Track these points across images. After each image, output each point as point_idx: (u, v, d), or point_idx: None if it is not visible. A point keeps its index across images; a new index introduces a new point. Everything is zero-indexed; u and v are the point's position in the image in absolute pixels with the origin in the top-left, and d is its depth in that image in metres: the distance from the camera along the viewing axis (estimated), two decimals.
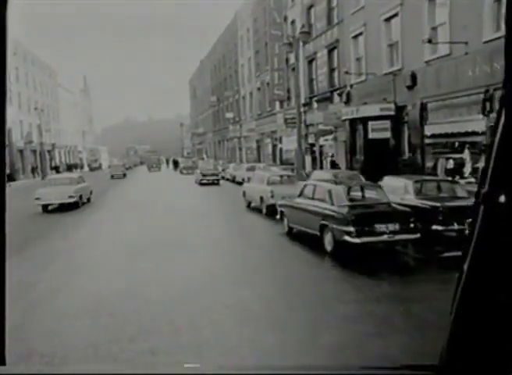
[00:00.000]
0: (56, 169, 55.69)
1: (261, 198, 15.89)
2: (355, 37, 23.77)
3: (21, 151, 52.52)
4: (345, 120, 24.34)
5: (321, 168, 30.02)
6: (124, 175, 46.70)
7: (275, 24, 33.63)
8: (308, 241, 10.66)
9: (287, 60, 33.62)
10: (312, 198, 10.44)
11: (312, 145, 30.41)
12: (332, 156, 24.27)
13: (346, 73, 21.68)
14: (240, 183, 30.40)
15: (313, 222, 10.02)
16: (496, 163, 1.23)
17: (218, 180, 31.95)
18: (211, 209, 18.94)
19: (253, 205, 17.77)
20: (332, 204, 9.49)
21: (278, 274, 8.79)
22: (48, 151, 61.36)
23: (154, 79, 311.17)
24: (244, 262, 9.74)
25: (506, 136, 1.21)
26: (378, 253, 9.65)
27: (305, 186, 11.09)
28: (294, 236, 11.62)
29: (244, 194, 18.43)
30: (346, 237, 8.77)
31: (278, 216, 12.32)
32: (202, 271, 8.87)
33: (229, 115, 53.50)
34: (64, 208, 19.68)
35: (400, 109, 20.16)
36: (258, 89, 42.47)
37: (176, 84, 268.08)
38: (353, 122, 24.06)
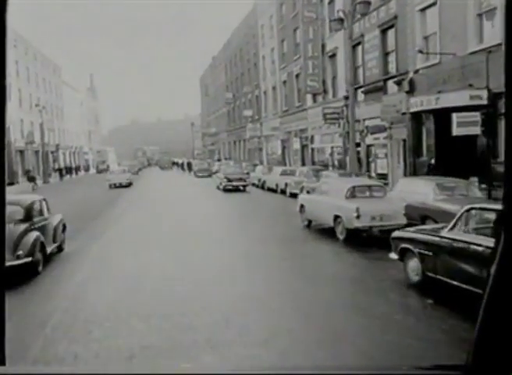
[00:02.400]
0: (60, 171, 51.39)
1: (337, 218, 11.13)
2: (423, 9, 19.20)
3: (21, 152, 48.21)
4: (405, 113, 19.88)
5: (368, 171, 25.55)
6: (138, 172, 57.09)
7: (310, 5, 29.06)
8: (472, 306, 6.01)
9: (323, 46, 29.10)
10: None
11: (357, 145, 25.78)
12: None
13: (420, 52, 17.05)
14: (272, 191, 25.87)
15: None
16: None
17: (245, 185, 27.32)
18: (256, 231, 13.78)
19: (314, 223, 13.10)
20: None
21: None
22: (52, 152, 57.06)
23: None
24: None
25: None
26: None
27: (469, 211, 6.45)
28: (435, 289, 6.92)
29: (302, 209, 13.44)
30: None
31: (393, 255, 7.65)
32: None
33: (248, 112, 48.82)
34: (121, 187, 33.43)
35: (496, 97, 15.58)
36: (284, 82, 37.88)
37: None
38: (418, 116, 19.55)
